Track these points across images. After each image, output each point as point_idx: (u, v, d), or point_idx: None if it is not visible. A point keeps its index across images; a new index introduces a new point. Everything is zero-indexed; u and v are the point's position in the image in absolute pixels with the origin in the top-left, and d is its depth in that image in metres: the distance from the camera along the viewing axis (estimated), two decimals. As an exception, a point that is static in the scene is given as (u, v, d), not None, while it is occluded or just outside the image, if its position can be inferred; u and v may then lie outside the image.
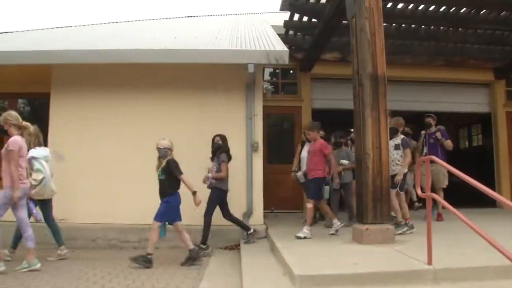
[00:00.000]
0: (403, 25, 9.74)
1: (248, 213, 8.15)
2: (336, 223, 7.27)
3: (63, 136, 8.29)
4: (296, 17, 9.68)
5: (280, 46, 8.20)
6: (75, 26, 12.82)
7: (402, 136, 7.62)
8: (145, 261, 6.42)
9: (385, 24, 6.62)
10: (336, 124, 9.48)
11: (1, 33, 11.64)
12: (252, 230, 7.72)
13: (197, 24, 12.53)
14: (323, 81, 11.45)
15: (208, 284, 5.47)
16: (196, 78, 8.52)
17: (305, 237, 6.86)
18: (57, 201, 7.07)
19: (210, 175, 7.54)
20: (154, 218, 6.54)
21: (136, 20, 13.63)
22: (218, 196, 7.61)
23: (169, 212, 6.62)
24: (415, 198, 9.52)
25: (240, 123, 8.36)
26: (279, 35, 9.60)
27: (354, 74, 6.58)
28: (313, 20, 9.48)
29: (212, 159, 7.69)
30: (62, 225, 7.47)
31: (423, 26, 9.83)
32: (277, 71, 11.78)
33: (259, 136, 8.39)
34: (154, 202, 6.67)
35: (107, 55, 8.02)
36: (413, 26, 9.75)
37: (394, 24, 9.67)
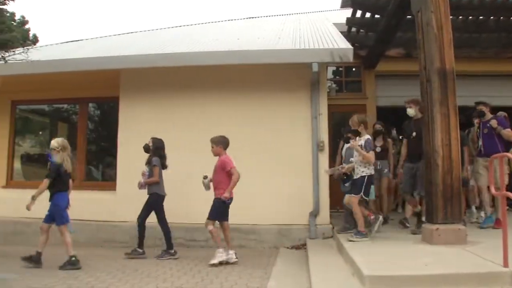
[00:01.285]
0: (470, 17, 9.41)
1: (315, 213, 8.08)
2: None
3: (132, 138, 8.53)
4: (358, 13, 9.54)
5: (343, 44, 8.10)
6: (142, 31, 13.18)
7: (367, 137, 6.98)
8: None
9: (450, 17, 6.39)
10: (402, 122, 9.25)
11: (72, 41, 12.13)
12: (173, 251, 7.44)
13: (259, 25, 12.58)
14: (387, 78, 11.24)
15: (276, 283, 5.47)
16: (259, 78, 8.55)
17: None
18: (126, 201, 7.28)
19: (142, 180, 7.57)
20: None
21: (199, 23, 13.87)
22: (155, 201, 7.56)
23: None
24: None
25: (304, 123, 8.30)
26: (341, 32, 9.49)
27: (421, 70, 6.42)
28: (376, 16, 9.33)
29: (146, 163, 7.68)
30: (131, 225, 7.72)
31: (492, 17, 9.45)
32: (340, 69, 11.67)
33: (324, 135, 8.29)
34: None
35: (173, 59, 8.21)
36: (481, 17, 9.40)
37: (460, 17, 9.35)
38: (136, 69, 8.46)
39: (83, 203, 8.19)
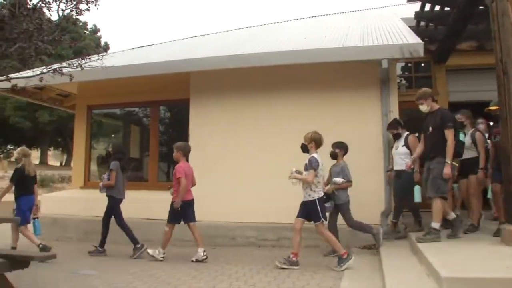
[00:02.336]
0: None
1: (386, 212, 7.94)
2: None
3: (202, 139, 8.71)
4: (427, 7, 9.29)
5: (413, 39, 7.90)
6: (210, 34, 13.42)
7: (312, 155, 6.55)
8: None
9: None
10: (476, 117, 8.93)
11: (143, 46, 12.51)
12: (139, 245, 7.67)
13: (325, 23, 12.51)
14: (459, 72, 10.86)
15: (349, 284, 5.43)
16: (327, 77, 8.50)
17: None
18: (198, 200, 7.42)
19: (101, 184, 7.97)
20: None
21: (265, 24, 13.95)
22: (111, 203, 7.92)
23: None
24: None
25: (375, 121, 8.19)
26: (410, 27, 9.27)
27: (497, 62, 6.13)
28: (446, 8, 9.04)
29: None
30: (203, 225, 7.89)
31: None
32: (409, 64, 11.39)
33: (396, 132, 8.08)
34: (291, 202, 6.75)
35: (241, 60, 8.31)
36: None
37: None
38: (205, 71, 8.62)
39: (156, 203, 8.44)
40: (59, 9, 6.96)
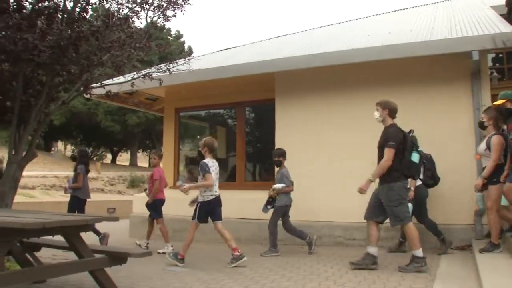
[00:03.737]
0: None
1: (481, 212, 7.57)
2: None
3: (289, 139, 8.73)
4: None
5: (506, 27, 7.47)
6: (292, 33, 13.45)
7: (204, 161, 6.93)
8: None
9: None
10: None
11: (227, 48, 12.75)
12: (102, 235, 8.46)
13: (409, 17, 12.17)
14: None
15: (442, 286, 5.26)
16: (413, 72, 8.23)
17: None
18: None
19: (67, 185, 8.96)
20: None
21: (346, 21, 13.78)
22: (74, 203, 8.74)
23: None
24: None
25: (465, 116, 7.82)
26: (500, 15, 8.82)
27: None
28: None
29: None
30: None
31: None
32: (500, 55, 10.85)
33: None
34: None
35: (324, 58, 8.26)
36: None
37: None
38: (289, 71, 8.65)
39: (245, 203, 8.59)
40: (147, 17, 7.28)
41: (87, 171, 9.05)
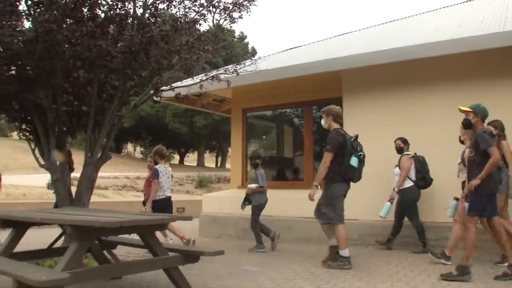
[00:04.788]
0: None
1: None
2: None
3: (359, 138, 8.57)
4: None
5: None
6: (358, 30, 13.27)
7: (156, 166, 8.08)
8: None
9: None
10: None
11: (293, 48, 12.75)
12: None
13: (479, 7, 11.69)
14: None
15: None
16: (485, 65, 7.90)
17: None
18: (355, 199, 7.38)
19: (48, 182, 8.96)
20: None
21: (412, 15, 13.42)
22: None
23: None
24: None
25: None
26: None
27: None
28: None
29: None
30: (360, 224, 7.83)
31: None
32: None
33: None
34: (450, 201, 6.47)
35: (391, 55, 8.07)
36: None
37: None
38: (356, 68, 8.53)
39: (314, 202, 8.52)
40: (214, 19, 7.39)
41: (71, 170, 9.11)
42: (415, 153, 7.88)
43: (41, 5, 6.18)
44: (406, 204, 7.70)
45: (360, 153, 6.61)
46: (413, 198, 7.67)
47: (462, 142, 6.74)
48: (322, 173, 6.50)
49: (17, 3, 6.25)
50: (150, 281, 5.63)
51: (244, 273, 6.30)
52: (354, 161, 6.47)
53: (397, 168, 7.89)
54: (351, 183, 6.67)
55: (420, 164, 7.73)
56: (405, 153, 7.93)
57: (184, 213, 16.71)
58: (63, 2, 5.99)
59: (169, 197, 8.18)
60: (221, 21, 7.45)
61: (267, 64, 9.13)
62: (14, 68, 6.77)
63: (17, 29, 6.08)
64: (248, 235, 8.85)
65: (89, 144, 7.04)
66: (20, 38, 5.89)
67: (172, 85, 7.69)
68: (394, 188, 7.76)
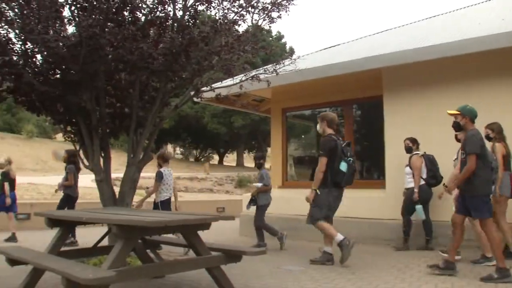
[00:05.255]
0: None
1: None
2: None
3: (398, 136, 8.44)
4: None
5: None
6: (398, 27, 13.07)
7: (161, 169, 8.44)
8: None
9: None
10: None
11: (331, 46, 12.67)
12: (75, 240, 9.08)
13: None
14: None
15: None
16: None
17: None
18: (395, 199, 7.30)
19: (60, 183, 9.80)
20: None
21: (452, 11, 13.10)
22: (66, 200, 9.63)
23: None
24: None
25: None
26: None
27: None
28: None
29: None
30: (398, 223, 7.73)
31: None
32: None
33: None
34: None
35: (432, 51, 7.89)
36: None
37: None
38: (396, 66, 8.40)
39: (355, 201, 8.46)
40: (252, 19, 7.41)
41: (78, 170, 9.81)
42: (425, 152, 7.98)
43: (84, 11, 6.31)
44: (419, 202, 7.74)
45: (349, 158, 6.80)
46: (425, 197, 7.76)
47: (458, 140, 6.76)
48: (319, 177, 6.72)
49: (62, 9, 6.42)
50: (192, 280, 5.70)
51: (285, 272, 6.30)
52: (343, 166, 6.70)
53: (408, 167, 8.00)
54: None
55: (431, 162, 7.87)
56: (414, 152, 8.03)
57: (224, 212, 16.83)
58: (105, 6, 6.10)
59: (170, 198, 8.67)
60: (260, 21, 7.47)
61: (306, 63, 9.09)
62: (59, 72, 6.94)
63: (62, 34, 6.23)
64: (290, 235, 8.85)
65: (131, 145, 7.16)
66: (65, 43, 6.02)
67: (212, 85, 7.75)
68: (405, 189, 8.02)
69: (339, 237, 6.61)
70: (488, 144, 6.39)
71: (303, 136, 13.52)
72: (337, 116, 7.46)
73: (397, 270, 6.29)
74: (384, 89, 8.98)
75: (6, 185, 10.23)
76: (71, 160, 9.86)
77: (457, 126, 6.05)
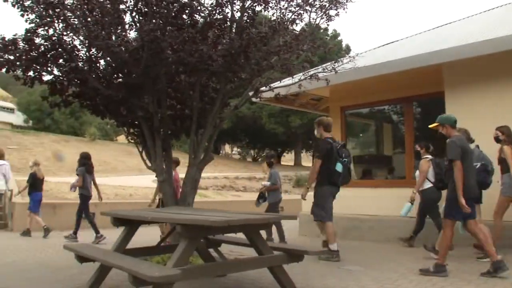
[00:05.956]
0: None
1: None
2: None
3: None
4: None
5: None
6: (458, 20, 12.66)
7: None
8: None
9: None
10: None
11: (390, 43, 12.45)
12: (100, 234, 9.91)
13: None
14: None
15: None
16: None
17: None
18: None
19: (72, 184, 10.59)
20: None
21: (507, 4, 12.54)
22: (81, 199, 10.35)
23: None
24: None
25: None
26: None
27: None
28: None
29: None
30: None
31: None
32: None
33: None
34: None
35: (497, 44, 7.63)
36: None
37: None
38: (458, 60, 8.14)
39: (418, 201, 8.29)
40: (310, 18, 7.38)
41: (89, 172, 10.52)
42: (433, 157, 8.14)
43: (144, 16, 6.48)
44: (427, 204, 8.03)
45: (344, 159, 7.31)
46: (433, 199, 7.95)
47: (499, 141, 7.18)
48: (312, 177, 7.38)
49: (123, 15, 6.62)
50: (253, 279, 5.74)
51: (346, 272, 6.26)
52: (339, 167, 7.22)
53: (418, 171, 8.29)
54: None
55: (438, 166, 8.00)
56: (423, 157, 8.22)
57: (283, 212, 16.82)
58: (165, 11, 6.24)
59: None
60: (317, 20, 7.43)
61: (364, 60, 8.97)
62: (122, 76, 7.16)
63: (124, 39, 6.42)
64: (350, 234, 8.79)
65: (192, 146, 7.28)
66: (127, 47, 6.20)
67: (272, 85, 7.78)
68: (413, 190, 8.11)
69: (335, 246, 7.11)
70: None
71: (361, 135, 13.36)
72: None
73: (469, 273, 6.06)
74: (446, 84, 8.71)
75: (27, 186, 11.40)
76: (82, 162, 10.60)
77: (442, 137, 6.24)
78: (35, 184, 11.41)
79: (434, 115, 9.01)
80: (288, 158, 59.41)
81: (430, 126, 6.19)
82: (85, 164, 10.64)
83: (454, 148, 5.78)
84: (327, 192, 7.32)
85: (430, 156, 8.14)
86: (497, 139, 7.14)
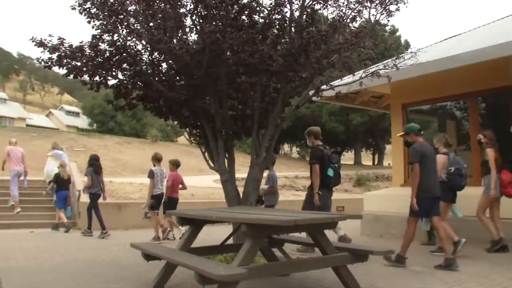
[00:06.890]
0: None
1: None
2: None
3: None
4: None
5: None
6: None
7: (152, 168, 10.37)
8: None
9: None
10: None
11: (452, 37, 12.08)
12: (105, 231, 10.88)
13: None
14: None
15: None
16: None
17: None
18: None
19: (83, 186, 11.49)
20: None
21: None
22: (91, 198, 11.22)
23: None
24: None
25: None
26: None
27: None
28: None
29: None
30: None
31: None
32: None
33: None
34: None
35: None
36: None
37: None
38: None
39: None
40: (370, 14, 7.27)
41: (97, 172, 11.31)
42: (335, 166, 8.21)
43: (204, 18, 6.58)
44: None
45: (335, 164, 7.99)
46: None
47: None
48: (316, 181, 7.81)
49: (184, 19, 6.75)
50: (317, 278, 5.73)
51: (412, 273, 6.17)
52: (330, 172, 7.89)
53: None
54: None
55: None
56: (441, 151, 8.04)
57: (343, 211, 16.68)
58: (224, 13, 6.31)
59: (162, 193, 10.42)
60: (377, 16, 7.30)
61: (426, 56, 8.75)
62: (183, 78, 7.29)
63: (186, 42, 6.54)
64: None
65: (254, 146, 7.33)
66: (189, 50, 6.31)
67: (332, 83, 7.71)
68: None
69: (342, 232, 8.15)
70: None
71: (422, 132, 13.02)
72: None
73: None
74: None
75: (53, 185, 12.80)
76: (90, 164, 11.50)
77: (407, 144, 7.45)
78: (59, 183, 12.68)
79: (500, 111, 8.74)
80: (348, 157, 58.82)
81: (398, 135, 6.96)
82: (93, 165, 11.44)
83: (414, 153, 6.63)
84: (322, 195, 7.86)
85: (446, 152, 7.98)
86: (479, 142, 7.95)
